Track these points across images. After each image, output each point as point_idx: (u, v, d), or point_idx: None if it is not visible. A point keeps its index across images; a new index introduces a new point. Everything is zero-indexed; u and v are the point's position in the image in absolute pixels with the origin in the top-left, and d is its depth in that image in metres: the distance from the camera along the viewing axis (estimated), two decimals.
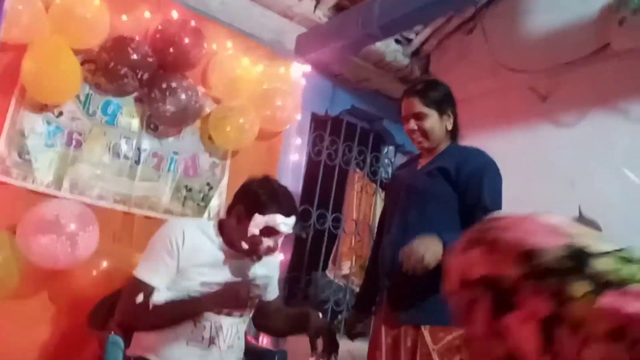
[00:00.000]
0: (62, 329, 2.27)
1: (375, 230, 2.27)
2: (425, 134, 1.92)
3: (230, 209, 1.89)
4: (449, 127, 1.96)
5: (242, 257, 1.84)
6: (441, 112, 1.93)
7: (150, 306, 1.69)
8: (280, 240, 1.84)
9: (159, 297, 1.72)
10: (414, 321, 1.80)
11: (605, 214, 2.61)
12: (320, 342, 1.75)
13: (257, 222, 1.75)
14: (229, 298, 1.72)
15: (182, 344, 1.72)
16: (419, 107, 1.92)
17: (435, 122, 1.92)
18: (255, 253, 1.81)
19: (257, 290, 1.74)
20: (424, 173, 1.95)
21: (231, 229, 1.83)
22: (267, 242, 1.78)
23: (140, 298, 1.69)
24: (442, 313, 1.72)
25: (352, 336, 2.20)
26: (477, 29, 3.48)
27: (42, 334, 2.24)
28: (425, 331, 1.76)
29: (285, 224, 1.77)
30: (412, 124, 1.93)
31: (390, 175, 2.10)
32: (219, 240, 1.83)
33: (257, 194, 1.80)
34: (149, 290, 1.70)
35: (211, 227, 1.87)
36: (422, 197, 1.90)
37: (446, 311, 1.77)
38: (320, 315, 1.89)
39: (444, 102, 1.94)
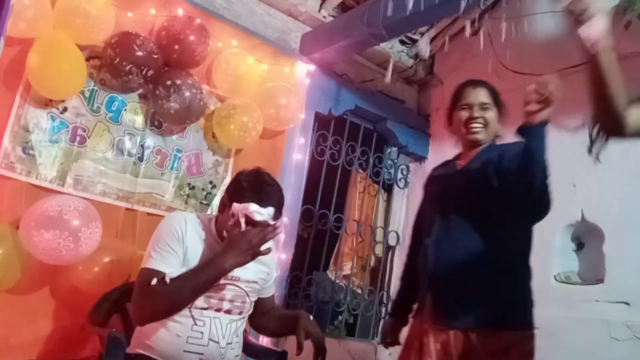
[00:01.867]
0: (63, 325, 2.26)
1: (410, 234, 2.21)
2: (486, 124, 1.93)
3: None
4: (498, 129, 1.97)
5: None
6: (499, 111, 1.97)
7: (168, 281, 1.64)
8: None
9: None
10: (462, 325, 1.76)
11: (606, 217, 2.63)
12: (305, 343, 1.75)
13: (233, 210, 1.73)
14: (243, 251, 1.69)
15: (182, 341, 1.71)
16: (487, 98, 1.95)
17: (495, 117, 1.96)
18: None
19: (270, 232, 1.71)
20: (466, 173, 1.92)
21: (219, 220, 1.83)
22: None
23: (154, 281, 1.64)
24: (490, 316, 1.73)
25: (387, 344, 2.16)
26: (481, 31, 3.48)
27: (43, 328, 2.24)
28: (474, 336, 1.73)
29: (259, 213, 1.71)
30: (477, 112, 1.93)
31: (427, 178, 2.07)
32: (215, 236, 1.82)
33: (240, 183, 1.80)
34: (160, 276, 1.66)
35: (208, 221, 1.86)
36: (465, 198, 1.87)
37: (494, 314, 1.76)
38: (312, 317, 1.88)
39: (500, 104, 1.98)
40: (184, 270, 1.71)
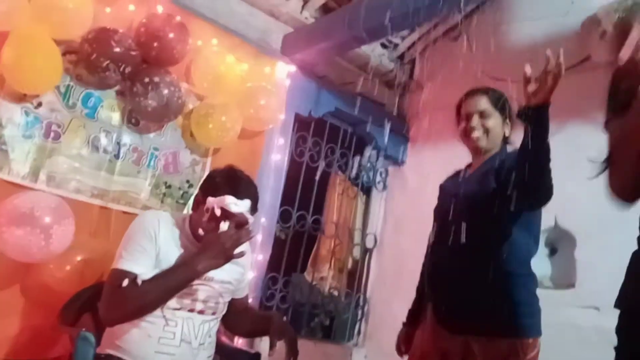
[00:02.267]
0: (33, 323, 2.22)
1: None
2: (487, 131, 1.92)
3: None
4: (507, 134, 1.96)
5: None
6: (503, 116, 1.94)
7: (140, 282, 1.62)
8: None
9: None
10: (463, 333, 1.76)
11: (578, 223, 2.67)
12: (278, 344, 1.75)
13: (208, 205, 1.73)
14: (216, 253, 1.68)
15: (153, 341, 1.69)
16: (486, 105, 1.93)
17: (497, 124, 1.93)
18: None
19: (244, 235, 1.71)
20: (471, 180, 1.92)
21: (192, 220, 1.82)
22: (222, 226, 1.72)
23: (126, 282, 1.62)
24: (491, 324, 1.73)
25: (401, 353, 2.14)
26: (462, 37, 3.51)
27: (13, 327, 2.20)
28: (474, 344, 1.73)
29: (235, 204, 1.71)
30: (476, 121, 1.91)
31: (439, 187, 2.04)
32: (189, 236, 1.81)
33: (213, 178, 1.82)
34: (132, 277, 1.64)
35: (182, 221, 1.85)
36: (467, 205, 1.86)
37: (494, 322, 1.74)
38: (285, 319, 1.89)
39: (506, 108, 1.95)
40: (156, 271, 1.69)
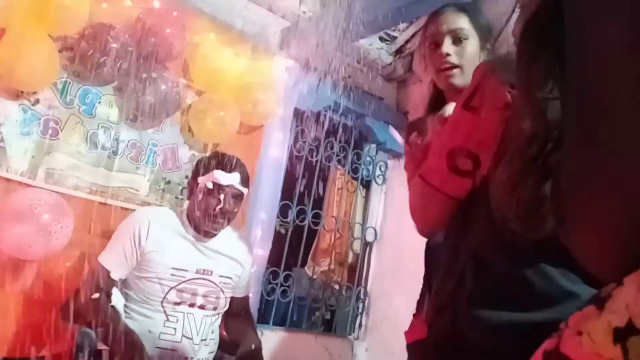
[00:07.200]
0: (34, 320, 2.22)
1: None
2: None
3: None
4: None
5: (208, 240, 1.84)
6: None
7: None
8: (232, 201, 1.83)
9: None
10: None
11: None
12: None
13: (200, 184, 1.80)
14: None
15: (154, 337, 1.71)
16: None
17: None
18: (208, 218, 1.80)
19: None
20: None
21: (188, 209, 1.85)
22: (215, 202, 1.78)
23: (96, 295, 1.75)
24: None
25: None
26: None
27: (13, 325, 2.20)
28: None
29: (224, 177, 1.79)
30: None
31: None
32: (187, 227, 1.83)
33: (200, 163, 1.91)
34: (106, 273, 1.76)
35: (180, 215, 1.87)
36: None
37: None
38: (254, 346, 1.81)
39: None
40: (147, 256, 1.78)
